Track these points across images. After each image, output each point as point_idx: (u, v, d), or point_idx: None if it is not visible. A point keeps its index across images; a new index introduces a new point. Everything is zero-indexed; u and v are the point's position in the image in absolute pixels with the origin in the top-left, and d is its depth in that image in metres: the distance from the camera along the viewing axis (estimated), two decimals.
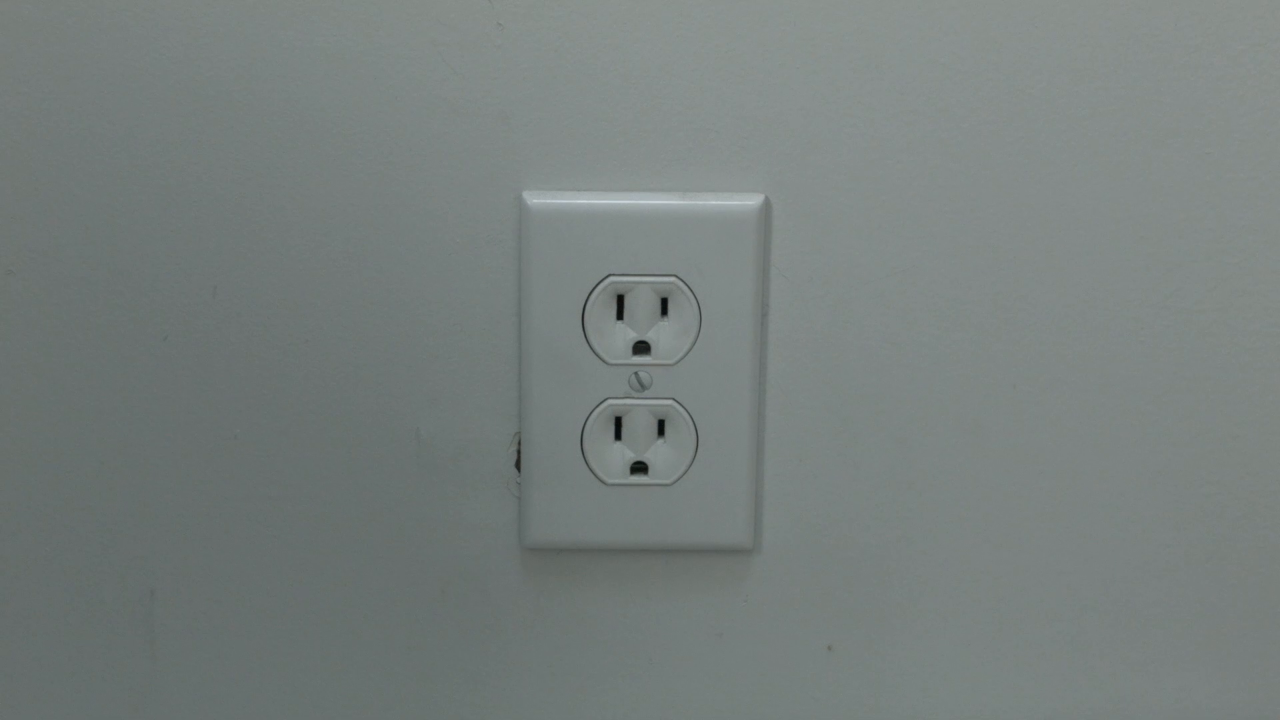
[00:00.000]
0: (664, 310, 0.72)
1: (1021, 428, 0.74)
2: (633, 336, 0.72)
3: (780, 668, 0.78)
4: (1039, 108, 0.70)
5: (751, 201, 0.71)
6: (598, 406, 0.73)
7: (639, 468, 0.74)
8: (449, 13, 0.69)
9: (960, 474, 0.75)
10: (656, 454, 0.74)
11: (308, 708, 0.78)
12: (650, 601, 0.77)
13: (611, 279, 0.72)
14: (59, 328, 0.73)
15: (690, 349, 0.72)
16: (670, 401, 0.73)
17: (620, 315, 0.72)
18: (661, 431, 0.74)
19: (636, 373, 0.73)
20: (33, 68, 0.70)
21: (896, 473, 0.75)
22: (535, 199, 0.71)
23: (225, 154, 0.71)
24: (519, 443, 0.74)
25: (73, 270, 0.72)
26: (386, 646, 0.77)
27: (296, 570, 0.76)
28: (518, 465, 0.75)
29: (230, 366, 0.73)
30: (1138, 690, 0.78)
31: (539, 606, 0.77)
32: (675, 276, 0.72)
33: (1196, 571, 0.76)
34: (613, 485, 0.74)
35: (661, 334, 0.72)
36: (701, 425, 0.73)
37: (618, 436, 0.74)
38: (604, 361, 0.73)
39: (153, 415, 0.74)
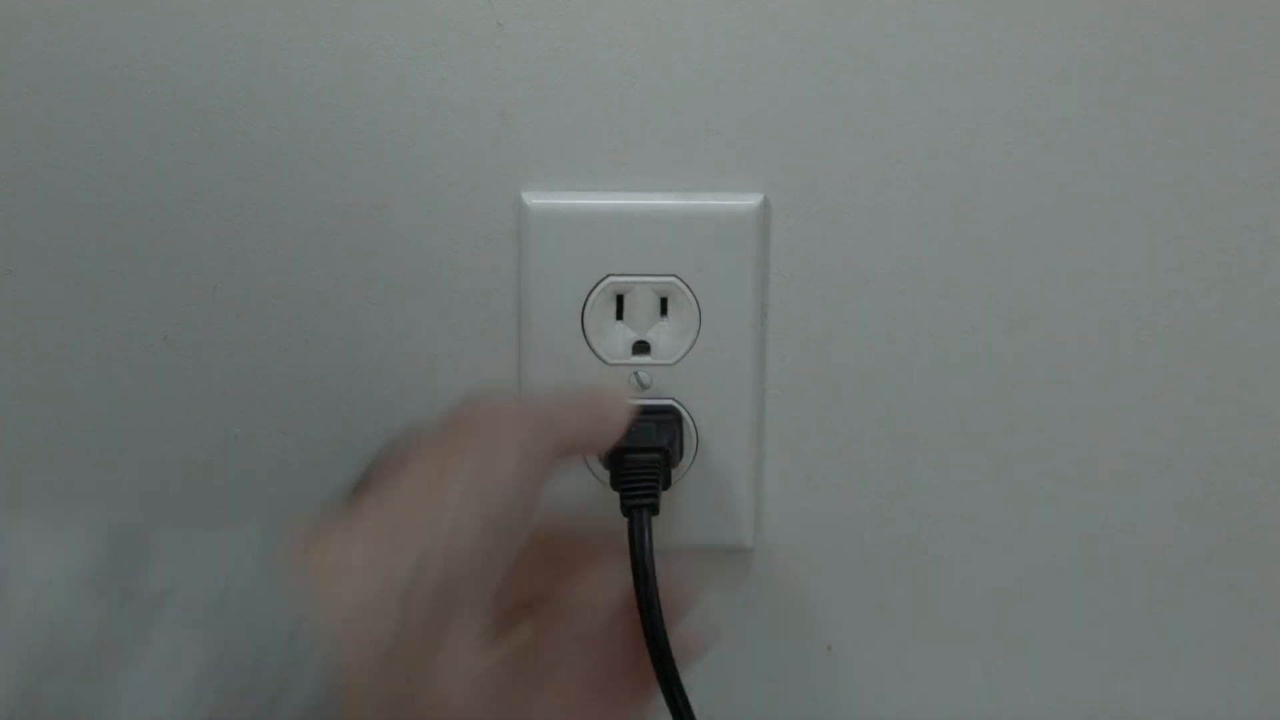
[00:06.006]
0: (664, 310, 0.72)
1: (1021, 428, 0.74)
2: (632, 336, 0.72)
3: (780, 668, 0.78)
4: (1039, 108, 0.70)
5: (751, 201, 0.71)
6: None
7: None
8: (449, 13, 0.69)
9: (960, 474, 0.75)
10: None
11: None
12: None
13: (611, 279, 0.72)
14: (59, 328, 0.73)
15: (690, 349, 0.72)
16: (670, 402, 0.73)
17: (620, 315, 0.72)
18: None
19: (636, 373, 0.73)
20: (33, 68, 0.70)
21: (896, 473, 0.75)
22: (535, 199, 0.71)
23: (225, 154, 0.71)
24: None
25: (73, 270, 0.72)
26: None
27: None
28: None
29: (230, 366, 0.73)
30: (1138, 690, 0.78)
31: None
32: (675, 276, 0.72)
33: (1196, 571, 0.76)
34: None
35: (661, 334, 0.72)
36: (701, 425, 0.73)
37: None
38: (604, 361, 0.72)
39: (153, 415, 0.74)
